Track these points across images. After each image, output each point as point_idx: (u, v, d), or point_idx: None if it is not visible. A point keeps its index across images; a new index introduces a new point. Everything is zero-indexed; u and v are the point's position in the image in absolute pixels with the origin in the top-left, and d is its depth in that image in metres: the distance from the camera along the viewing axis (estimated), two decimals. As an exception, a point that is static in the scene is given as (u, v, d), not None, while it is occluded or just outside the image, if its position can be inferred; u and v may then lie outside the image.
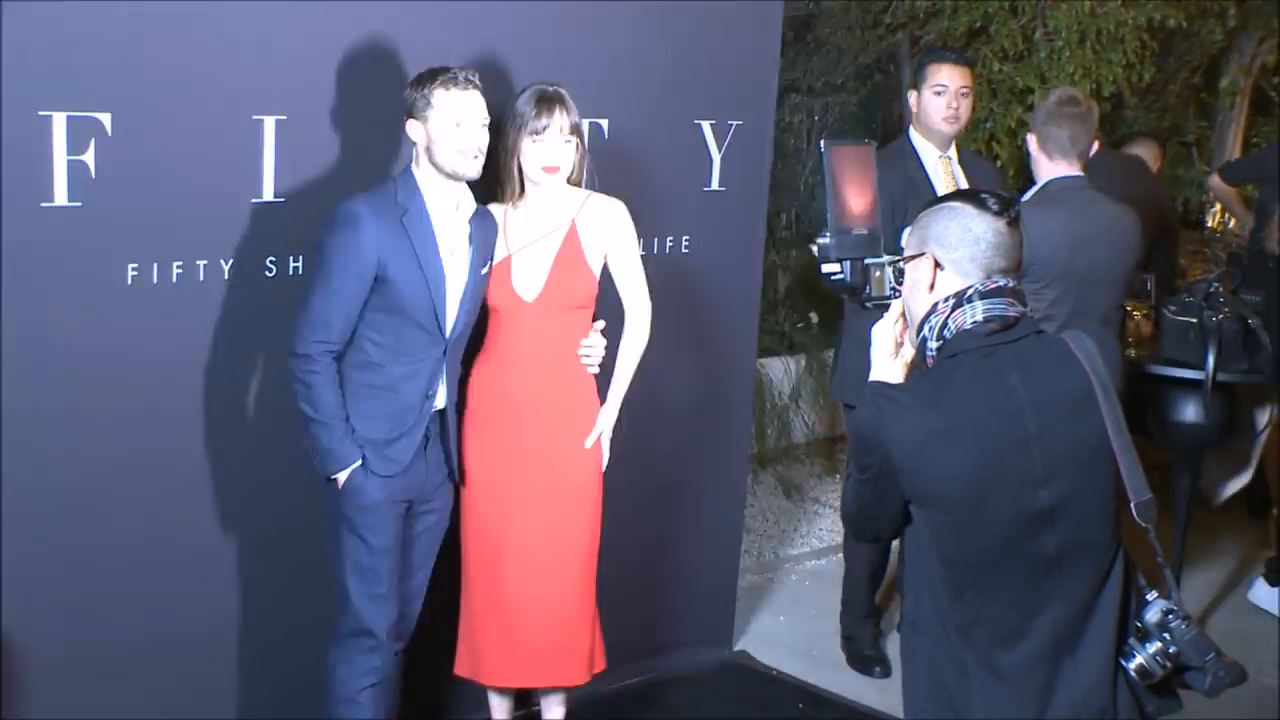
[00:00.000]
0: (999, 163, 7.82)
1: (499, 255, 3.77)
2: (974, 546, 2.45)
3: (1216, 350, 4.89)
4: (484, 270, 3.72)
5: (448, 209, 3.61)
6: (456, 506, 3.87)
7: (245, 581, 3.84)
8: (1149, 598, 2.53)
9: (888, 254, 2.75)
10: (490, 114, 3.60)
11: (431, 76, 3.53)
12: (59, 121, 3.34)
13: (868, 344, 4.70)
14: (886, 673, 4.91)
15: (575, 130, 3.72)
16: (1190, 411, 5.10)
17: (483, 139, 3.55)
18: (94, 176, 3.40)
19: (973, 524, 2.44)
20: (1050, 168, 4.45)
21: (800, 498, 6.84)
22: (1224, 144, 10.12)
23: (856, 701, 4.73)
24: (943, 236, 2.53)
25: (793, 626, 5.37)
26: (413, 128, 3.56)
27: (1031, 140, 4.51)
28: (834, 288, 2.72)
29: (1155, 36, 8.37)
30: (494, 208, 3.81)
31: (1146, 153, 6.63)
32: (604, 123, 4.29)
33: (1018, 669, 2.48)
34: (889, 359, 2.66)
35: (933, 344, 2.53)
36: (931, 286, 2.55)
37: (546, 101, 3.68)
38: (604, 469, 3.89)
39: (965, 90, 4.84)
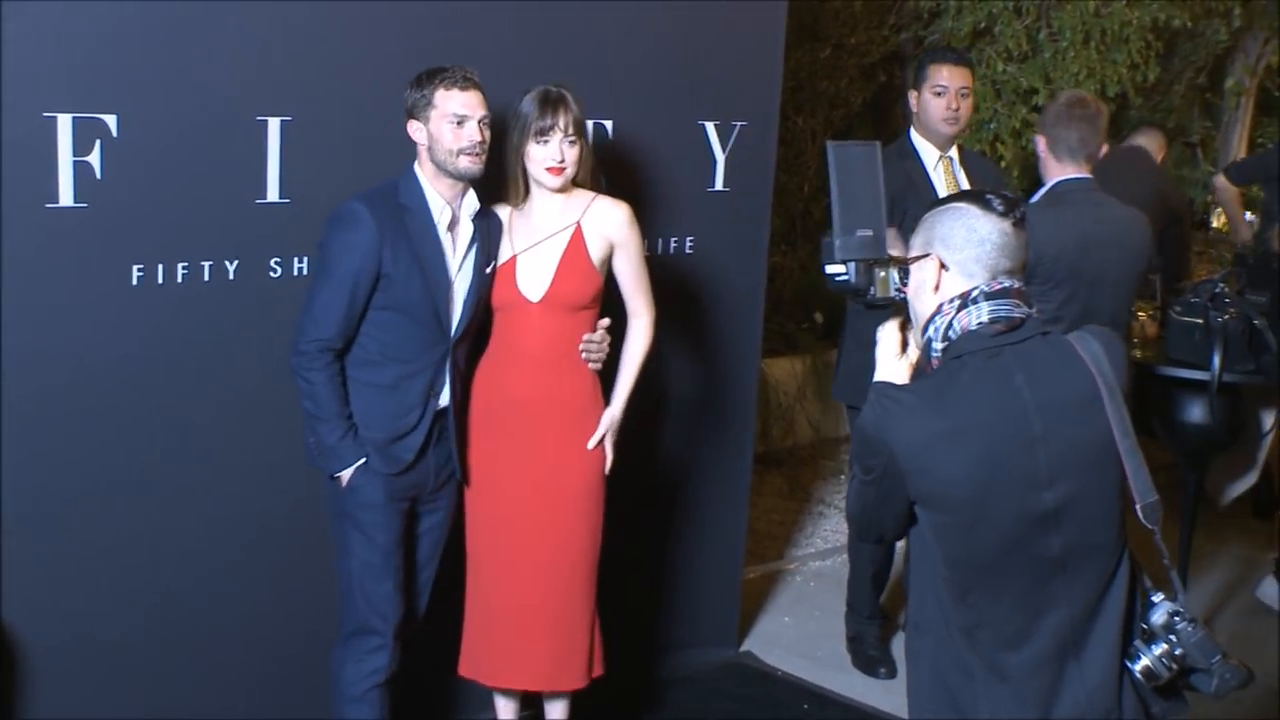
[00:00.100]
0: (1003, 163, 7.81)
1: (504, 255, 3.77)
2: (978, 548, 2.45)
3: (1222, 351, 4.88)
4: (488, 269, 3.72)
5: (451, 208, 3.61)
6: (460, 506, 3.87)
7: (250, 581, 3.84)
8: (1155, 599, 2.52)
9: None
10: (494, 115, 3.60)
11: (430, 76, 3.53)
12: (64, 123, 3.34)
13: (869, 345, 4.71)
14: (891, 673, 4.91)
15: (580, 130, 3.72)
16: (1196, 412, 5.09)
17: (484, 137, 3.55)
18: (99, 177, 3.41)
19: (977, 525, 2.44)
20: (1058, 169, 4.45)
21: (805, 498, 6.84)
22: (1229, 144, 10.12)
23: (861, 702, 4.73)
24: (948, 237, 2.53)
25: (797, 627, 5.37)
26: (414, 128, 3.57)
27: (1040, 142, 4.50)
28: (838, 289, 2.71)
29: (1160, 37, 8.37)
30: (499, 209, 3.81)
31: (1150, 142, 6.59)
32: (608, 123, 4.29)
33: (1022, 671, 2.48)
34: (894, 359, 2.66)
35: (938, 345, 2.53)
36: (936, 287, 2.55)
37: (551, 102, 3.68)
38: (607, 471, 3.89)
39: (965, 91, 4.83)
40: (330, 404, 3.54)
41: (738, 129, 4.65)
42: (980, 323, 2.49)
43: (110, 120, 3.40)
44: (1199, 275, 6.62)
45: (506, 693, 4.06)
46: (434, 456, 3.72)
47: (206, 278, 3.62)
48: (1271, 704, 4.44)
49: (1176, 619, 2.49)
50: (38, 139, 3.32)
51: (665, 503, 4.75)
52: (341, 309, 3.52)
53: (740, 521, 5.04)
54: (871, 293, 2.69)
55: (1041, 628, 2.47)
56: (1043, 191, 4.51)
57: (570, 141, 3.70)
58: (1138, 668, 2.50)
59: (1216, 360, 4.89)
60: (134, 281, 3.52)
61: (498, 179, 3.75)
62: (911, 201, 4.49)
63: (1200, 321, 4.99)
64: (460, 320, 3.67)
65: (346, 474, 3.58)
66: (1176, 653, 2.48)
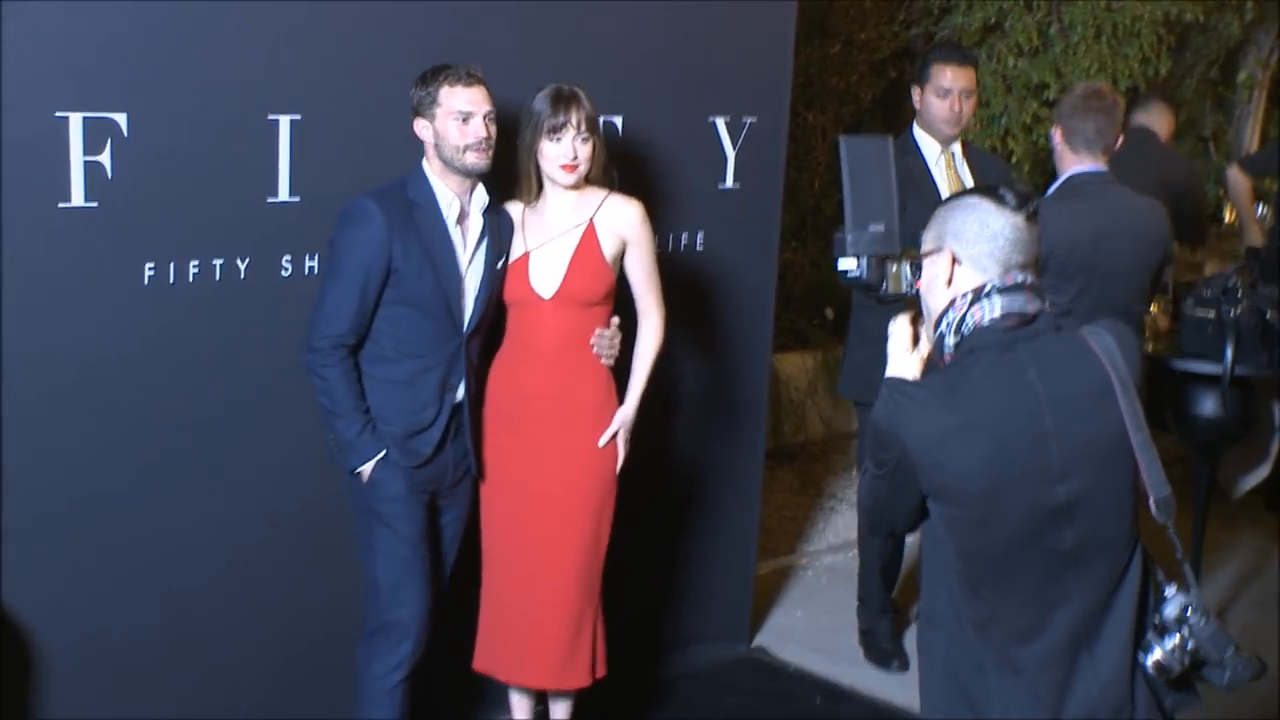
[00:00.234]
0: (1014, 159, 7.79)
1: (516, 252, 3.77)
2: (990, 542, 2.45)
3: (1235, 344, 4.87)
4: (499, 265, 3.72)
5: (460, 203, 3.62)
6: (476, 501, 3.87)
7: (262, 579, 3.85)
8: (1168, 593, 2.51)
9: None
10: (504, 113, 3.61)
11: (435, 74, 3.54)
12: (75, 122, 3.35)
13: (874, 340, 4.70)
14: (904, 667, 4.91)
15: (593, 128, 3.73)
16: (1208, 406, 5.08)
17: (490, 132, 3.56)
18: (110, 177, 3.42)
19: (989, 519, 2.43)
20: (1074, 161, 4.44)
21: (816, 493, 6.84)
22: (1241, 138, 10.08)
23: (874, 696, 4.73)
24: (960, 232, 2.53)
25: (810, 622, 5.37)
26: (420, 126, 3.58)
27: (1056, 134, 4.48)
28: (850, 284, 2.71)
29: (1172, 30, 8.34)
30: (512, 206, 3.82)
31: (1153, 119, 6.45)
32: (618, 120, 4.30)
33: (1034, 664, 2.47)
34: (906, 354, 2.66)
35: (950, 340, 2.52)
36: (949, 282, 2.54)
37: (563, 100, 3.68)
38: (620, 468, 3.89)
39: (968, 91, 4.83)
40: (346, 399, 3.55)
41: (748, 125, 4.65)
42: (993, 318, 2.48)
43: (121, 119, 3.41)
44: (1212, 269, 6.60)
45: (522, 690, 4.07)
46: (451, 451, 3.73)
47: (218, 276, 3.63)
48: (1267, 703, 4.43)
49: (1189, 612, 2.48)
50: (49, 139, 3.33)
51: (677, 498, 4.76)
52: (353, 305, 3.53)
53: (752, 517, 5.04)
54: (884, 287, 2.68)
55: (1054, 621, 2.46)
56: (1058, 184, 4.50)
57: (583, 139, 3.70)
58: (1150, 661, 2.49)
59: (1229, 353, 4.88)
60: (145, 280, 3.53)
61: (509, 176, 3.75)
62: (912, 198, 4.49)
63: (1213, 315, 4.98)
64: (473, 314, 3.67)
65: (367, 468, 3.59)
66: (1189, 646, 2.46)
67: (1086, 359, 2.48)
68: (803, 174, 7.64)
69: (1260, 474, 5.55)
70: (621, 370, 3.90)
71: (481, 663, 3.96)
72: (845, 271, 2.69)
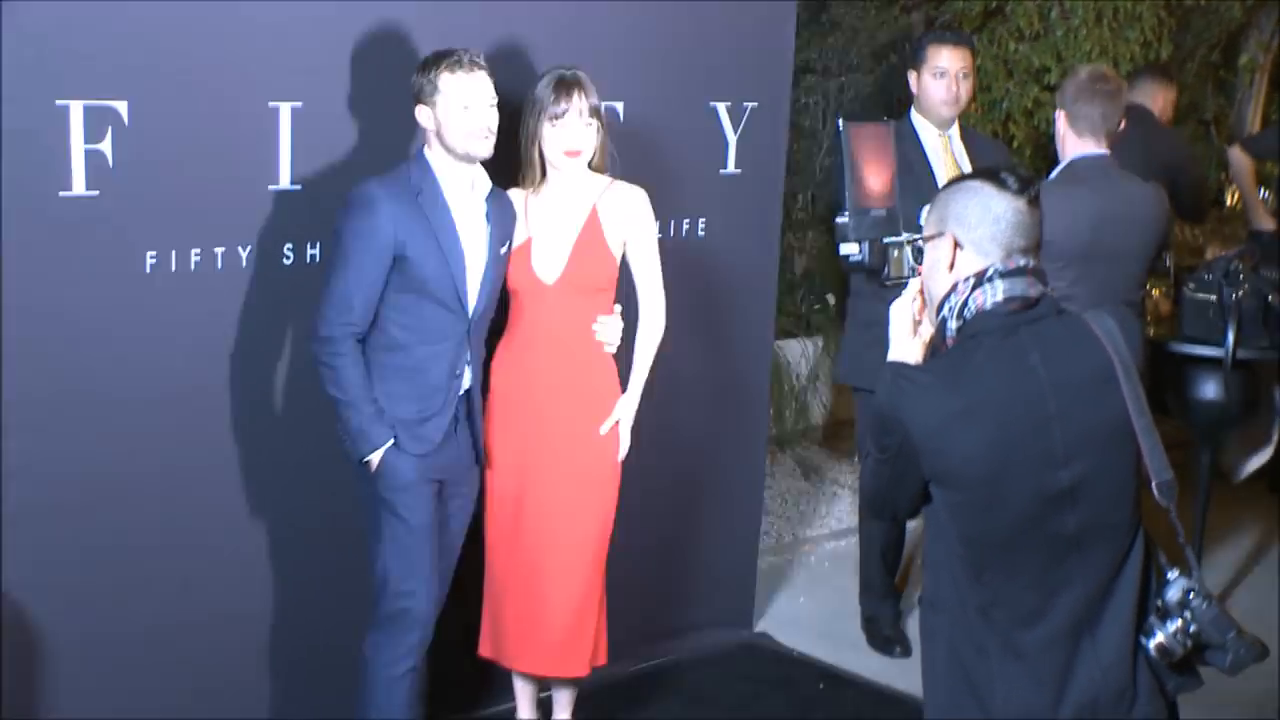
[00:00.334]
0: (1015, 143, 7.77)
1: (519, 238, 3.77)
2: (993, 526, 2.45)
3: (1236, 327, 4.87)
4: (503, 250, 3.72)
5: (463, 189, 3.62)
6: (483, 489, 3.88)
7: (266, 569, 3.86)
8: (1170, 576, 2.52)
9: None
10: (506, 100, 3.60)
11: (436, 60, 3.53)
12: (76, 110, 3.35)
13: (869, 327, 4.70)
14: (907, 653, 4.92)
15: (595, 113, 3.73)
16: (1210, 389, 5.08)
17: (492, 119, 3.56)
18: (111, 165, 3.42)
19: (992, 504, 2.44)
20: (1078, 145, 4.42)
21: (819, 479, 6.83)
22: (1243, 121, 10.05)
23: (877, 681, 4.74)
24: (962, 216, 2.53)
25: (813, 607, 5.38)
26: (421, 113, 3.57)
27: (1060, 117, 4.46)
28: (852, 268, 2.72)
29: (1173, 14, 8.31)
30: (514, 193, 3.81)
31: (1147, 96, 6.35)
32: (619, 106, 4.29)
33: (1037, 648, 2.48)
34: (907, 338, 2.66)
35: (953, 324, 2.52)
36: (951, 266, 2.54)
37: (565, 85, 3.68)
38: (622, 457, 3.89)
39: (965, 72, 4.82)
40: (354, 388, 3.55)
41: (749, 110, 4.64)
42: (995, 302, 2.48)
43: (122, 107, 3.41)
44: (1213, 252, 6.59)
45: (525, 678, 4.07)
46: (460, 439, 3.72)
47: (219, 264, 3.63)
48: (1266, 703, 4.43)
49: (1191, 595, 2.48)
50: (50, 127, 3.33)
51: (680, 485, 4.76)
52: (360, 293, 3.53)
53: (755, 503, 5.05)
54: (885, 271, 2.69)
55: (1056, 605, 2.47)
56: (1060, 168, 4.49)
57: (586, 124, 3.70)
58: (1152, 644, 2.49)
59: (1230, 337, 4.88)
60: (147, 269, 3.53)
61: (511, 162, 3.75)
62: (908, 184, 4.48)
63: (1214, 298, 4.98)
64: (479, 300, 3.67)
65: (376, 457, 3.58)
66: (1191, 629, 2.47)
67: (1089, 343, 2.49)
68: (804, 160, 7.62)
69: (1262, 457, 5.55)
70: (622, 359, 3.90)
71: (486, 649, 3.97)
72: (847, 255, 2.70)
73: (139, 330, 3.55)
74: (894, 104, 7.87)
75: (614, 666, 3.98)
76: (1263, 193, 7.21)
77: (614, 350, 3.87)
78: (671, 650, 4.77)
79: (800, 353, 7.37)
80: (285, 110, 3.66)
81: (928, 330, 2.64)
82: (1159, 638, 2.49)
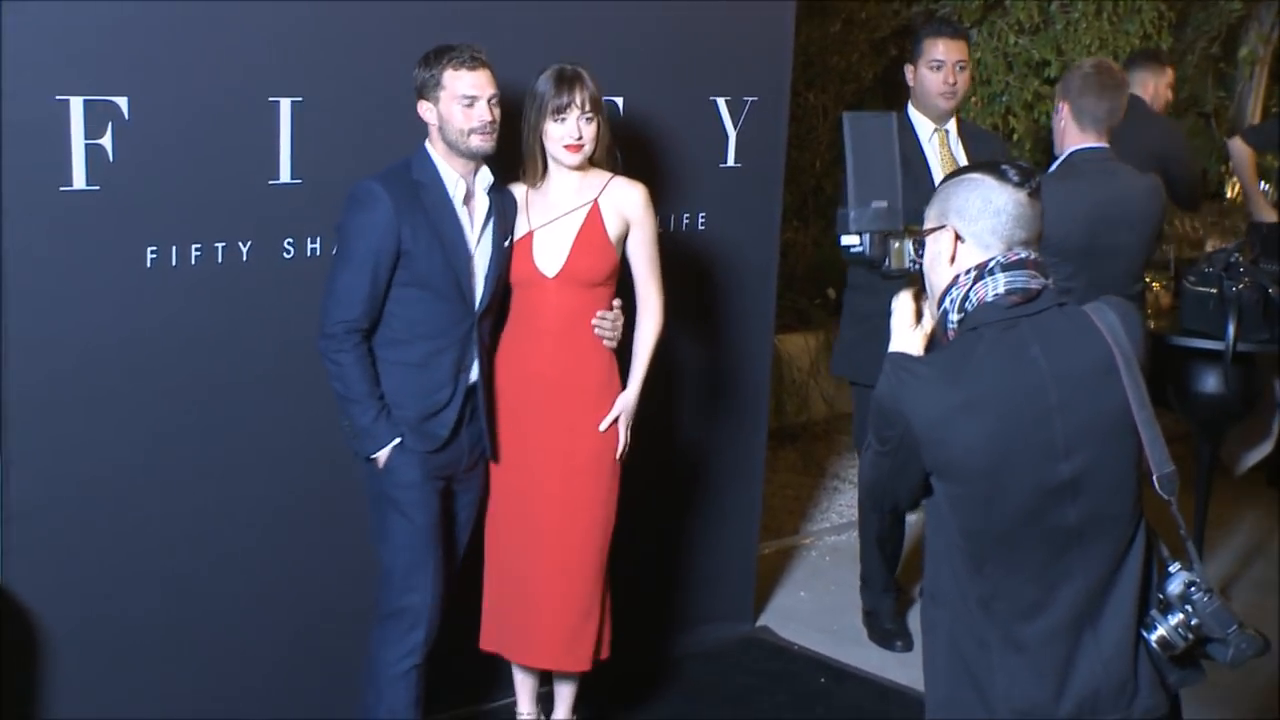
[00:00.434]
0: (1015, 136, 7.78)
1: (520, 231, 3.77)
2: (994, 519, 2.45)
3: (1236, 320, 4.87)
4: (505, 243, 3.72)
5: (460, 181, 3.61)
6: (488, 484, 3.87)
7: (266, 562, 3.85)
8: (1171, 569, 2.52)
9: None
10: (507, 94, 3.60)
11: (439, 56, 3.53)
12: (76, 106, 3.35)
13: (864, 319, 4.70)
14: (908, 647, 4.92)
15: (597, 108, 3.72)
16: (1210, 382, 5.08)
17: (494, 115, 3.55)
18: (112, 160, 3.42)
19: (993, 496, 2.44)
20: (1079, 138, 4.42)
21: (819, 473, 6.84)
22: (1243, 114, 10.06)
23: (878, 676, 4.74)
24: (963, 209, 2.53)
25: (813, 602, 5.38)
26: (424, 108, 3.57)
27: (1064, 109, 4.44)
28: (853, 260, 2.71)
29: (1173, 6, 8.32)
30: (515, 187, 3.81)
31: (1142, 84, 6.26)
32: (619, 100, 4.29)
33: (1038, 641, 2.48)
34: (908, 330, 2.66)
35: (954, 316, 2.52)
36: (952, 259, 2.54)
37: (567, 80, 3.68)
38: (620, 454, 3.88)
39: (962, 64, 4.81)
40: (360, 385, 3.54)
41: (749, 104, 4.64)
42: (996, 294, 2.48)
43: (122, 102, 3.41)
44: (1213, 245, 6.58)
45: (526, 672, 4.07)
46: (467, 435, 3.72)
47: (220, 259, 3.63)
48: (1266, 703, 4.44)
49: (1192, 589, 2.48)
50: (50, 122, 3.33)
51: (680, 479, 4.76)
52: (365, 289, 3.52)
53: (755, 497, 5.04)
54: (886, 264, 2.68)
55: (1057, 598, 2.47)
56: (1059, 162, 4.48)
57: (587, 119, 3.70)
58: (1154, 638, 2.49)
59: (1231, 330, 4.87)
60: (147, 264, 3.53)
61: (512, 157, 3.75)
62: (905, 179, 4.48)
63: (1214, 291, 4.97)
64: (483, 293, 3.67)
65: (383, 455, 3.58)
66: (1192, 623, 2.47)
67: (1090, 335, 2.49)
68: (804, 154, 7.62)
69: (1263, 451, 5.55)
70: (622, 354, 3.90)
71: (489, 642, 3.97)
72: (848, 247, 2.70)
73: (140, 325, 3.55)
74: (894, 97, 7.88)
75: (614, 661, 3.98)
76: (1262, 185, 7.19)
77: (614, 345, 3.87)
78: (672, 645, 4.78)
79: (801, 346, 7.37)
80: (285, 105, 3.66)
81: (929, 322, 2.64)
82: (1160, 631, 2.49)
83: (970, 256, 2.52)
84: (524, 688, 4.11)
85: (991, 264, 2.50)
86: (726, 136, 4.62)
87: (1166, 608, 2.50)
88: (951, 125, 4.87)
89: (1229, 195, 9.00)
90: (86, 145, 3.38)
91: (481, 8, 3.93)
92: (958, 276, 2.52)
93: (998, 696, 2.50)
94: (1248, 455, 5.58)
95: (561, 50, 3.82)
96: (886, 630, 5.02)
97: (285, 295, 3.74)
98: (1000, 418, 2.42)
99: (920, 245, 2.61)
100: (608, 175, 3.83)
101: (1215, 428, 5.28)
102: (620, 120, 4.26)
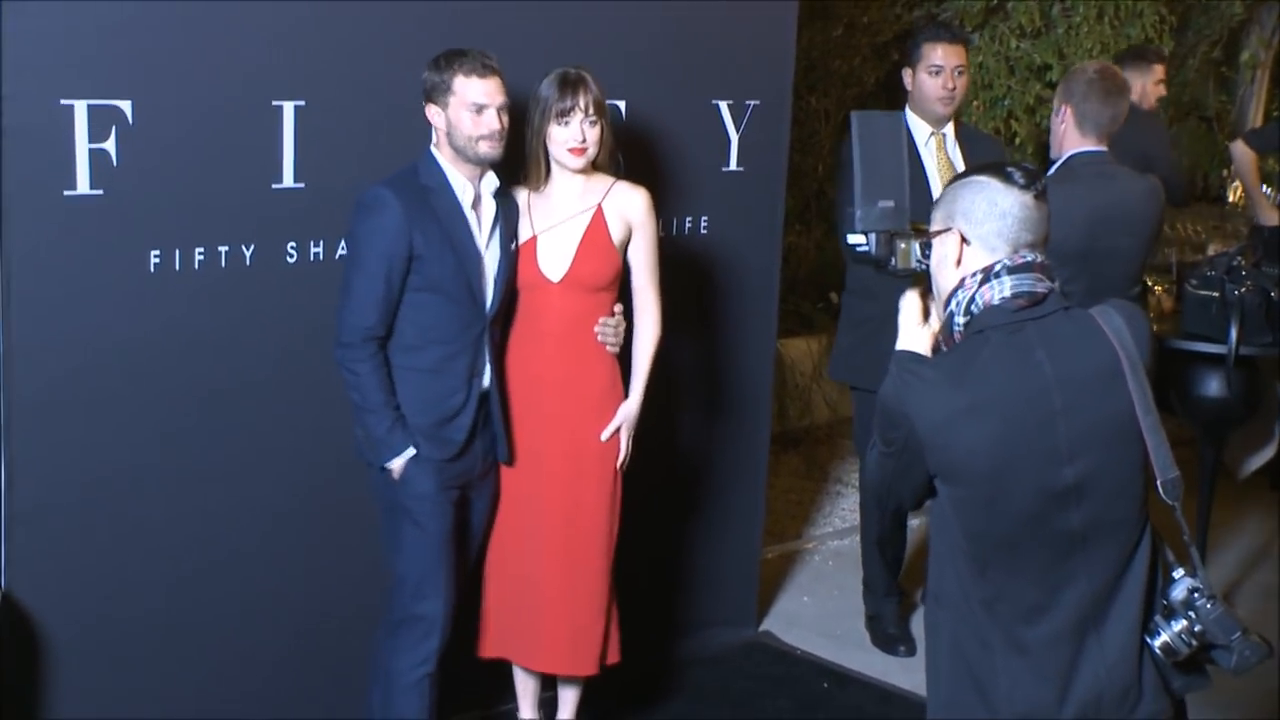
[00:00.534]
0: (1017, 140, 7.78)
1: (524, 236, 3.77)
2: (997, 522, 2.45)
3: (1239, 324, 4.86)
4: (512, 246, 3.72)
5: (472, 186, 3.61)
6: (499, 489, 3.87)
7: (269, 566, 3.85)
8: (1175, 575, 2.51)
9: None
10: (509, 98, 3.60)
11: (450, 61, 3.52)
12: (80, 110, 3.35)
13: (860, 324, 4.70)
14: (911, 651, 4.92)
15: (600, 111, 3.73)
16: (1213, 386, 5.07)
17: (503, 123, 3.55)
18: (115, 164, 3.42)
19: (996, 499, 2.43)
20: (1079, 142, 4.40)
21: (822, 478, 6.84)
22: (1244, 118, 10.06)
23: (881, 680, 4.74)
24: (969, 211, 2.52)
25: (816, 606, 5.38)
26: (432, 112, 3.56)
27: (1066, 113, 4.41)
28: (859, 259, 2.72)
29: (1174, 10, 8.32)
30: (516, 191, 3.81)
31: (1129, 83, 6.32)
32: (622, 104, 4.29)
33: (1041, 644, 2.47)
34: (917, 328, 2.66)
35: (959, 319, 2.52)
36: (958, 262, 2.54)
37: (570, 83, 3.68)
38: (621, 464, 3.88)
39: (961, 69, 4.81)
40: (377, 394, 3.53)
41: (751, 108, 4.64)
42: (1003, 297, 2.48)
43: (126, 107, 3.41)
44: (1215, 249, 6.58)
45: (528, 675, 4.07)
46: (480, 442, 3.71)
47: (223, 263, 3.64)
48: (1265, 703, 4.44)
49: (1196, 595, 2.47)
50: (54, 126, 3.33)
51: (683, 484, 4.76)
52: (379, 295, 3.51)
53: (758, 501, 5.04)
54: (892, 263, 2.69)
55: (1061, 602, 2.46)
56: (1057, 165, 4.47)
57: (591, 122, 3.70)
58: (1157, 643, 2.49)
59: (1233, 333, 4.87)
60: (151, 268, 3.53)
61: (513, 160, 3.75)
62: None
63: (1216, 295, 4.96)
64: (494, 297, 3.66)
65: (397, 464, 3.57)
66: (1196, 629, 2.46)
67: (1096, 339, 2.48)
68: (806, 158, 7.62)
69: (1266, 455, 5.55)
70: (622, 360, 3.90)
71: (490, 649, 3.96)
72: (854, 246, 2.70)
73: (143, 329, 3.55)
74: (896, 101, 7.89)
75: (617, 666, 3.98)
76: (1265, 189, 7.20)
77: (616, 350, 3.87)
78: (675, 649, 4.77)
79: (804, 350, 7.37)
80: (289, 109, 3.66)
81: (937, 321, 2.63)
82: (1164, 637, 2.49)
83: (976, 259, 2.52)
84: (526, 692, 4.10)
85: (997, 267, 2.49)
86: (729, 140, 4.63)
87: (1170, 613, 2.49)
88: (949, 129, 4.86)
89: (1231, 199, 9.00)
90: (90, 149, 3.38)
91: (484, 12, 3.93)
92: (964, 279, 2.52)
93: (1000, 698, 2.49)
94: (1250, 459, 5.58)
95: (564, 54, 3.82)
96: (889, 635, 5.02)
97: (288, 299, 3.74)
98: (1004, 421, 2.42)
99: (927, 247, 2.61)
100: (610, 179, 3.84)
101: (1217, 432, 5.27)
102: (623, 124, 4.26)
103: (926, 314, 2.67)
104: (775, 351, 5.21)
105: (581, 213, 3.78)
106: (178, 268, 3.56)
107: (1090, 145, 4.40)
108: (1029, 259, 2.50)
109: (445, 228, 3.55)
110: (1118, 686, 2.48)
